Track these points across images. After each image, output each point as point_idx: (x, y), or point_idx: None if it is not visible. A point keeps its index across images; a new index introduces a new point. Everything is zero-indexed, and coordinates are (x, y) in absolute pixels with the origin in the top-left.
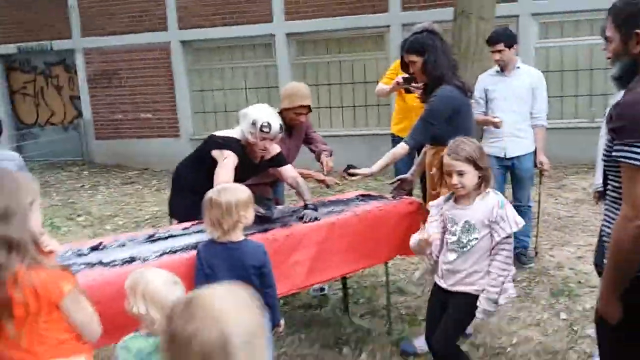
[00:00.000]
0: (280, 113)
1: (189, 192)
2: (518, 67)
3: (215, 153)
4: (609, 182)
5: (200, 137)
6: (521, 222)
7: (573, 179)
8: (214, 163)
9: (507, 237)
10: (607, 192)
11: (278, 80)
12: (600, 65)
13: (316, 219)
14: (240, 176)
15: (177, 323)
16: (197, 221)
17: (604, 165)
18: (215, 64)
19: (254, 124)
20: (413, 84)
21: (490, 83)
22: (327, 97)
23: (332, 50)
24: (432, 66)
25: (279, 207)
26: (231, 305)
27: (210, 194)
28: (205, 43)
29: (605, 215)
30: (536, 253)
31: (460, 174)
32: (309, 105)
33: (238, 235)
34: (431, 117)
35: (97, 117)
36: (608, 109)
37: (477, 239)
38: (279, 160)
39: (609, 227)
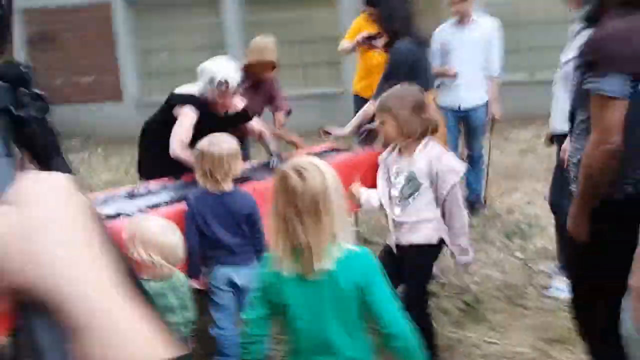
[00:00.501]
0: (247, 67)
1: (157, 151)
2: (475, 19)
3: (175, 110)
4: (577, 116)
5: (146, 102)
6: (461, 168)
7: (516, 132)
8: (176, 120)
9: (454, 186)
10: (575, 126)
11: (224, 39)
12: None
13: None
14: (204, 133)
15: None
16: (168, 178)
17: (573, 100)
18: (159, 23)
19: (211, 80)
20: (374, 42)
21: (447, 34)
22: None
23: (282, 7)
24: (387, 19)
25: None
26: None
27: (200, 146)
28: (148, 0)
29: (572, 147)
30: (486, 200)
31: (382, 123)
32: (274, 62)
33: (229, 185)
34: (390, 74)
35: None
36: (566, 57)
37: (418, 190)
38: (244, 115)
39: (576, 157)
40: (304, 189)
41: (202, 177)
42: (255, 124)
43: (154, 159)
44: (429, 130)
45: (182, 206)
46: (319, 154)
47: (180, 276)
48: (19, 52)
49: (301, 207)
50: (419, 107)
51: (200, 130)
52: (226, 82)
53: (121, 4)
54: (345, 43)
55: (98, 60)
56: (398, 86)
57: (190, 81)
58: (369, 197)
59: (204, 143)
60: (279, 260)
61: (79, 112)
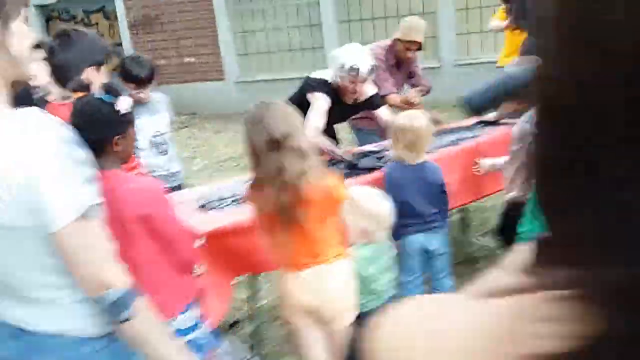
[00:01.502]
0: (393, 44)
1: None
2: None
3: (309, 96)
4: None
5: (246, 80)
6: None
7: None
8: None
9: None
10: None
11: (320, 18)
12: None
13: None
14: (334, 119)
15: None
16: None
17: None
18: (256, 4)
19: (342, 66)
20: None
21: None
22: (372, 33)
23: None
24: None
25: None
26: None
27: (402, 121)
28: None
29: None
30: None
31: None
32: (420, 43)
33: (425, 157)
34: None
35: None
36: None
37: None
38: (374, 102)
39: None
40: None
41: (401, 150)
42: (385, 113)
43: None
44: None
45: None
46: (470, 128)
47: (387, 241)
48: (124, 35)
49: None
50: None
51: (329, 116)
52: (356, 68)
53: None
54: (496, 21)
55: (199, 41)
56: None
57: (287, 60)
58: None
59: (404, 119)
60: None
61: (182, 91)
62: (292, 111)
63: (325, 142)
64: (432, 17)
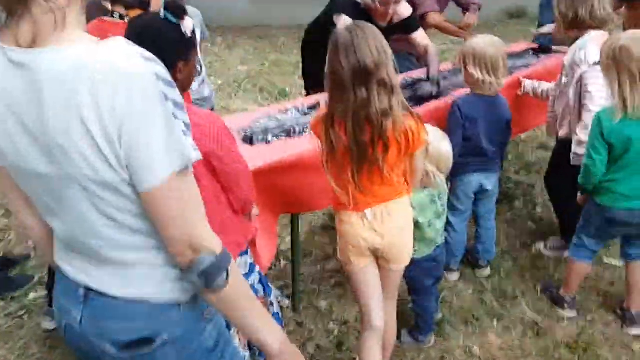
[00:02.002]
0: None
1: (319, 58)
2: None
3: (335, 18)
4: None
5: None
6: None
7: None
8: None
9: None
10: None
11: None
12: None
13: (431, 95)
14: None
15: None
16: None
17: None
18: None
19: None
20: None
21: None
22: None
23: None
24: None
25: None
26: None
27: (480, 45)
28: None
29: None
30: None
31: None
32: None
33: (498, 90)
34: None
35: None
36: None
37: None
38: (409, 24)
39: None
40: None
41: (481, 77)
42: (421, 37)
43: (318, 66)
44: None
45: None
46: (522, 55)
47: (444, 184)
48: None
49: None
50: None
51: None
52: None
53: None
54: None
55: None
56: None
57: None
58: None
59: (481, 43)
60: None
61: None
62: (383, 38)
63: None
64: None
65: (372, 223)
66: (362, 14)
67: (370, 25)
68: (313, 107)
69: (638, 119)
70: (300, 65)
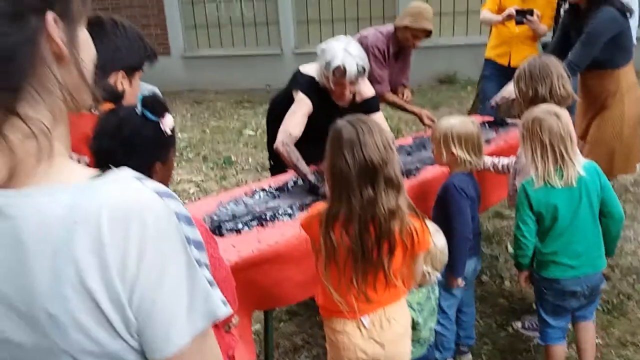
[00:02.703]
0: (396, 31)
1: None
2: None
3: (294, 94)
4: None
5: (192, 55)
6: None
7: None
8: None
9: None
10: None
11: None
12: None
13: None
14: (323, 123)
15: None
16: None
17: None
18: None
19: (327, 65)
20: (528, 17)
21: None
22: (329, 8)
23: None
24: None
25: None
26: None
27: (462, 126)
28: None
29: None
30: None
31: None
32: (431, 31)
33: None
34: (593, 41)
35: None
36: None
37: None
38: (369, 105)
39: None
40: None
41: (469, 157)
42: (380, 119)
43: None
44: None
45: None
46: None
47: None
48: None
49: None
50: None
51: (317, 120)
52: (343, 68)
53: None
54: (488, 14)
55: (144, 12)
56: None
57: (239, 35)
58: None
59: (456, 123)
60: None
61: None
62: (387, 131)
63: (293, 155)
64: None
65: (371, 331)
66: (321, 92)
67: (372, 121)
68: (281, 189)
69: (561, 186)
70: (243, 131)
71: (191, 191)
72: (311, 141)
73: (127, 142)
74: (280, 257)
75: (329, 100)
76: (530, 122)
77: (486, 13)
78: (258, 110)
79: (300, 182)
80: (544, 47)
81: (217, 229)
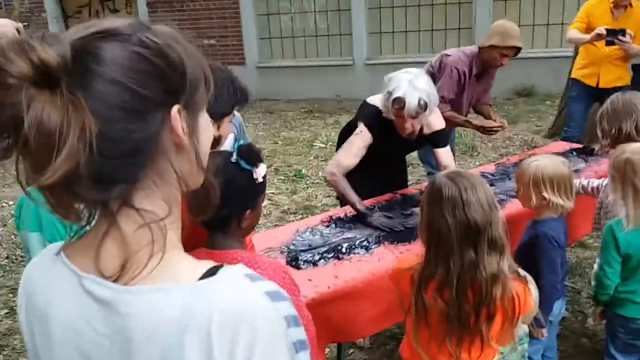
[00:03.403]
0: (481, 51)
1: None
2: None
3: (358, 124)
4: None
5: (265, 65)
6: None
7: None
8: None
9: None
10: None
11: (350, 2)
12: None
13: (382, 229)
14: (388, 151)
15: None
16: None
17: None
18: None
19: (388, 95)
20: (620, 37)
21: None
22: (403, 20)
23: None
24: None
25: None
26: None
27: (555, 167)
28: None
29: None
30: None
31: None
32: (520, 48)
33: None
34: None
35: None
36: None
37: None
38: (436, 139)
39: None
40: None
41: (562, 201)
42: (445, 155)
43: (349, 175)
44: None
45: None
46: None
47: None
48: (142, 12)
49: None
50: None
51: (381, 149)
52: (402, 100)
53: None
54: (576, 33)
55: (221, 23)
56: None
57: (312, 46)
58: None
59: (548, 165)
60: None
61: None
62: (489, 189)
63: (340, 185)
64: (468, 6)
65: None
66: (385, 122)
67: (478, 177)
68: (355, 219)
69: None
70: (314, 143)
71: (263, 204)
72: (376, 171)
73: (221, 191)
74: (355, 293)
75: (393, 130)
76: (621, 163)
77: (574, 32)
78: (328, 120)
79: (374, 211)
80: (635, 68)
81: (294, 260)
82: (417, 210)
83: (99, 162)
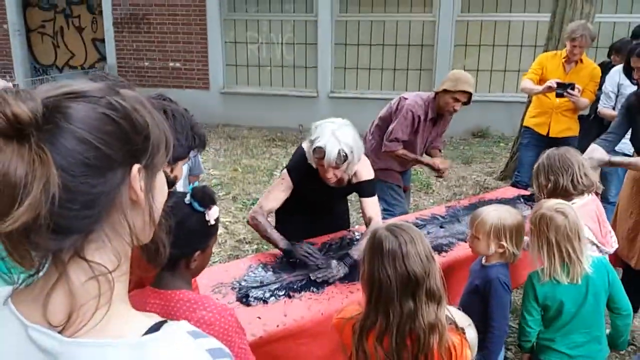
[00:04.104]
0: (436, 95)
1: (290, 206)
2: None
3: (286, 171)
4: None
5: (229, 91)
6: None
7: None
8: None
9: None
10: None
11: (317, 37)
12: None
13: (326, 281)
14: (313, 196)
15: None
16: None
17: None
18: (251, 15)
19: (311, 143)
20: (569, 91)
21: (624, 77)
22: (367, 57)
23: (377, 9)
24: None
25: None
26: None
27: (515, 218)
28: None
29: None
30: None
31: None
32: (471, 94)
33: None
34: None
35: (121, 62)
36: None
37: None
38: (363, 188)
39: None
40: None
41: (507, 254)
42: (372, 205)
43: (278, 214)
44: None
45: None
46: (511, 204)
47: None
48: (108, 32)
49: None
50: None
51: (306, 193)
52: (322, 151)
53: None
54: (529, 84)
55: (188, 47)
56: None
57: (277, 76)
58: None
59: (506, 217)
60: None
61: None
62: (427, 242)
63: (261, 226)
64: (429, 49)
65: None
66: (310, 168)
67: (414, 228)
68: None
69: (567, 282)
70: (274, 172)
71: (218, 233)
72: (304, 214)
73: (172, 231)
74: (305, 332)
75: (317, 177)
76: (537, 219)
77: (528, 82)
78: (290, 149)
79: (331, 247)
80: (580, 119)
81: (245, 297)
82: (351, 252)
83: (58, 213)
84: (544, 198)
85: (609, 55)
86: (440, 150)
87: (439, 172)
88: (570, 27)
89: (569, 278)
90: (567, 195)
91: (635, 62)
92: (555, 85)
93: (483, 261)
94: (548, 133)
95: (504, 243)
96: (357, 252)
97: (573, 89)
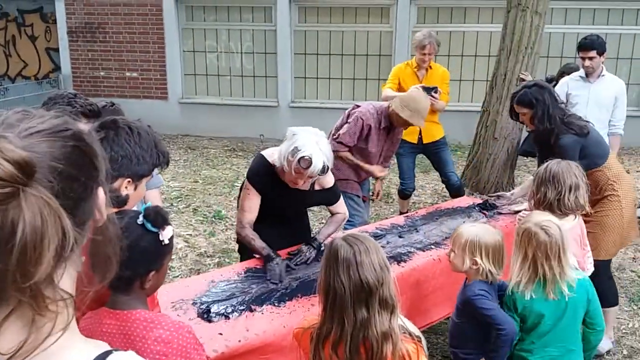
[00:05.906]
0: (391, 112)
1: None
2: (603, 75)
3: (247, 181)
4: None
5: (188, 101)
6: None
7: None
8: None
9: None
10: None
11: (276, 46)
12: None
13: (305, 262)
14: (278, 202)
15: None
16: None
17: None
18: (210, 24)
19: (294, 151)
20: (433, 94)
21: (573, 88)
22: (327, 67)
23: (335, 19)
24: (540, 119)
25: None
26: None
27: (493, 237)
28: (201, 1)
29: None
30: None
31: None
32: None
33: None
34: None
35: (76, 72)
36: None
37: None
38: (329, 196)
39: None
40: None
41: (484, 271)
42: (341, 207)
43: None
44: None
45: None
46: (466, 212)
47: None
48: (63, 42)
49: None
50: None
51: (271, 200)
52: (309, 162)
53: (173, 1)
54: (390, 92)
55: (145, 57)
56: None
57: (237, 85)
58: None
59: (485, 235)
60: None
61: (120, 106)
62: (383, 251)
63: (249, 239)
64: (387, 59)
65: None
66: (273, 175)
67: (370, 239)
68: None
69: (543, 297)
70: (236, 183)
71: (179, 246)
72: (272, 220)
73: (125, 252)
74: (267, 346)
75: (281, 183)
76: (521, 232)
77: (389, 91)
78: (251, 160)
79: (294, 261)
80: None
81: (205, 313)
82: (318, 235)
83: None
84: (534, 207)
85: (557, 80)
86: (389, 159)
87: (376, 180)
88: (417, 37)
89: (545, 293)
90: (551, 210)
91: (518, 108)
92: (421, 89)
93: (466, 282)
94: (420, 141)
95: (477, 259)
96: (323, 235)
97: (436, 92)
